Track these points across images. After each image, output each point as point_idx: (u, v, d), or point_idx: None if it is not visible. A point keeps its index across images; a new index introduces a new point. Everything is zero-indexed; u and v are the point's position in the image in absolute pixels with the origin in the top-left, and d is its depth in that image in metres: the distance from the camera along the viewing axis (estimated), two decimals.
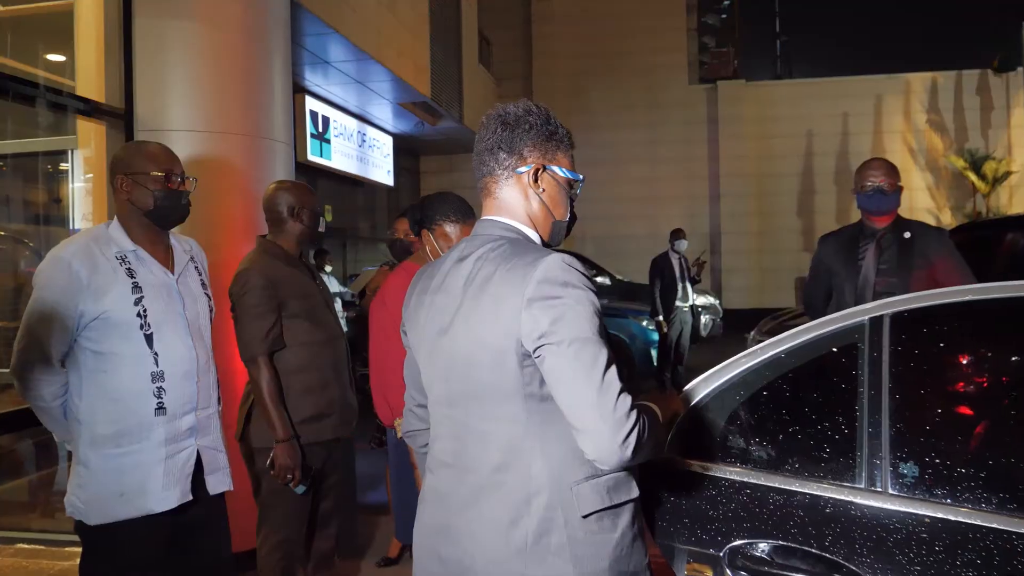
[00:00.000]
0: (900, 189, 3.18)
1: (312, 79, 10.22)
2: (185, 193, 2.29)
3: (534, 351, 1.37)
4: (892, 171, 3.22)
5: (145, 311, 2.15)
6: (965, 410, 1.50)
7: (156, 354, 2.15)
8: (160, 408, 2.15)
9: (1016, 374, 1.50)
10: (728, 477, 1.59)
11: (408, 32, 10.62)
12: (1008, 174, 15.73)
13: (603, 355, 1.34)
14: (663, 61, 17.24)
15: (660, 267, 8.27)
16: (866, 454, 1.47)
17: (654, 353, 8.43)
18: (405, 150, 15.29)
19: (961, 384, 1.52)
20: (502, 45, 17.05)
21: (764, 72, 25.79)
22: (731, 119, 16.96)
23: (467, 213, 2.79)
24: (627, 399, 1.33)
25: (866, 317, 1.60)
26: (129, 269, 2.17)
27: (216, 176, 3.67)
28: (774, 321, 5.71)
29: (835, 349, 1.60)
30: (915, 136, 16.72)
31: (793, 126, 16.77)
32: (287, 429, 2.68)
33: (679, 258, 8.35)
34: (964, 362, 1.54)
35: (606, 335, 1.40)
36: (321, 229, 2.97)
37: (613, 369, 1.35)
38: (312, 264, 3.08)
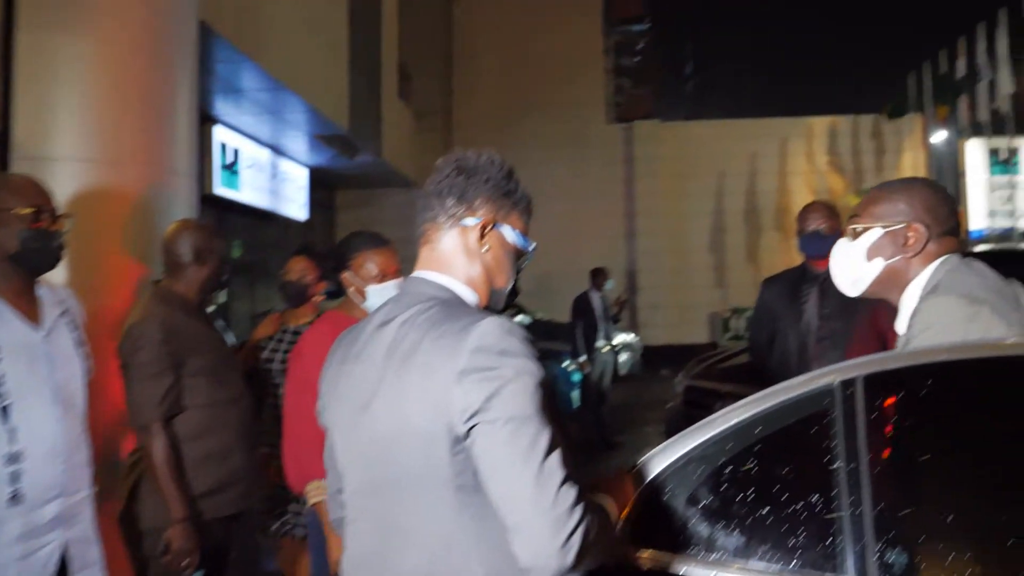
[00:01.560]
0: (840, 232, 3.12)
1: (223, 108, 9.82)
2: (58, 234, 1.99)
3: (465, 433, 1.18)
4: (831, 214, 3.18)
5: (2, 377, 1.82)
6: (959, 484, 1.35)
7: (13, 430, 1.83)
8: (15, 497, 1.82)
9: (1004, 440, 1.36)
10: (689, 572, 1.39)
11: (327, 63, 10.36)
12: None
13: (544, 437, 1.16)
14: (582, 100, 17.43)
15: (582, 307, 8.19)
16: (848, 539, 1.30)
17: (576, 395, 8.29)
18: (320, 183, 14.91)
19: (952, 455, 1.37)
20: (423, 80, 16.91)
21: (677, 113, 26.50)
22: (647, 158, 17.23)
23: (380, 240, 2.67)
24: (571, 491, 1.13)
25: (836, 380, 1.44)
26: None
27: (106, 211, 3.33)
28: (701, 364, 5.63)
29: (804, 417, 1.44)
30: (817, 177, 17.34)
31: (705, 165, 17.15)
32: (185, 507, 2.36)
33: (600, 297, 8.29)
34: (950, 429, 1.39)
35: (553, 412, 1.20)
36: (224, 277, 2.73)
37: (557, 454, 1.15)
38: (210, 314, 2.79)
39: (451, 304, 1.32)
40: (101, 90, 3.42)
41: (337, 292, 3.01)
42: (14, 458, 1.80)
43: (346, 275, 2.70)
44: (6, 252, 1.91)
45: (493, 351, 1.20)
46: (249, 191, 11.27)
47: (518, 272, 1.45)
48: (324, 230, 16.00)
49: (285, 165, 12.70)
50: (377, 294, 2.64)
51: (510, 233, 1.42)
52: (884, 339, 3.00)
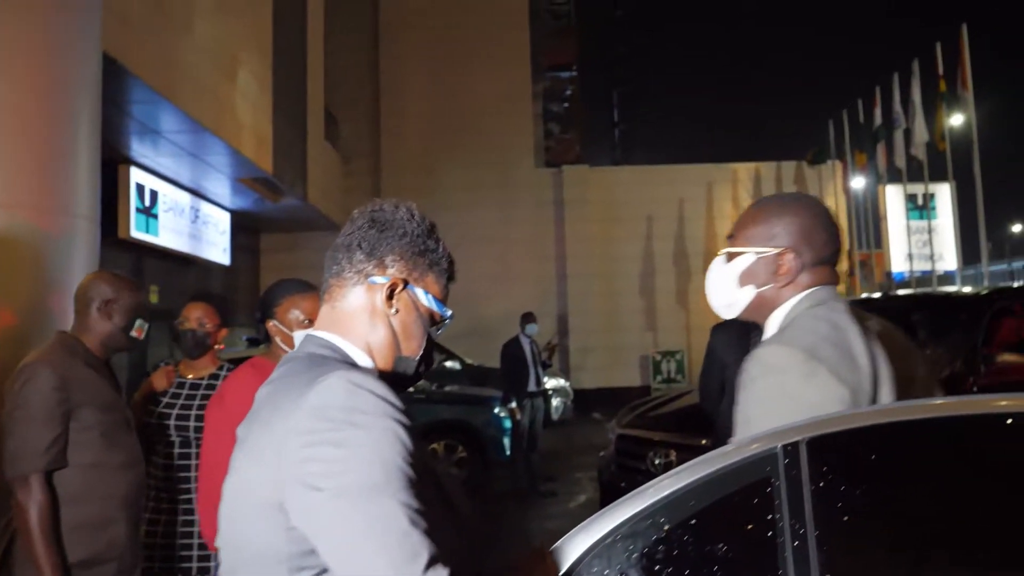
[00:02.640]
0: None
1: (140, 149, 9.52)
2: None
3: (301, 507, 1.04)
4: None
5: None
6: (913, 554, 1.25)
7: None
8: None
9: (959, 506, 1.26)
10: None
11: (249, 104, 10.16)
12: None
13: (399, 511, 1.00)
14: (511, 143, 17.54)
15: (511, 353, 8.08)
16: None
17: (507, 442, 8.14)
18: (244, 227, 14.58)
19: (905, 522, 1.27)
20: (349, 122, 16.81)
21: (605, 158, 26.99)
22: (576, 202, 17.38)
23: (306, 286, 2.61)
24: (441, 574, 0.97)
25: (777, 445, 1.33)
26: None
27: None
28: (632, 412, 5.55)
29: (744, 486, 1.32)
30: None
31: (634, 210, 17.39)
32: (58, 573, 2.17)
33: (530, 342, 8.21)
34: (901, 494, 1.30)
35: (419, 478, 1.05)
36: (135, 334, 2.60)
37: (418, 533, 1.00)
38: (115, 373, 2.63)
39: (318, 359, 1.19)
40: None
41: (257, 340, 2.84)
42: None
43: (271, 324, 2.63)
44: None
45: (337, 408, 1.06)
46: (168, 234, 10.95)
47: (430, 340, 1.31)
48: (248, 275, 15.62)
49: (207, 208, 12.39)
50: None
51: (423, 296, 1.29)
52: None
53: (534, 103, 18.95)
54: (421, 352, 1.29)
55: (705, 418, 3.64)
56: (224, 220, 13.17)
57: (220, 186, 11.68)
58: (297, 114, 12.62)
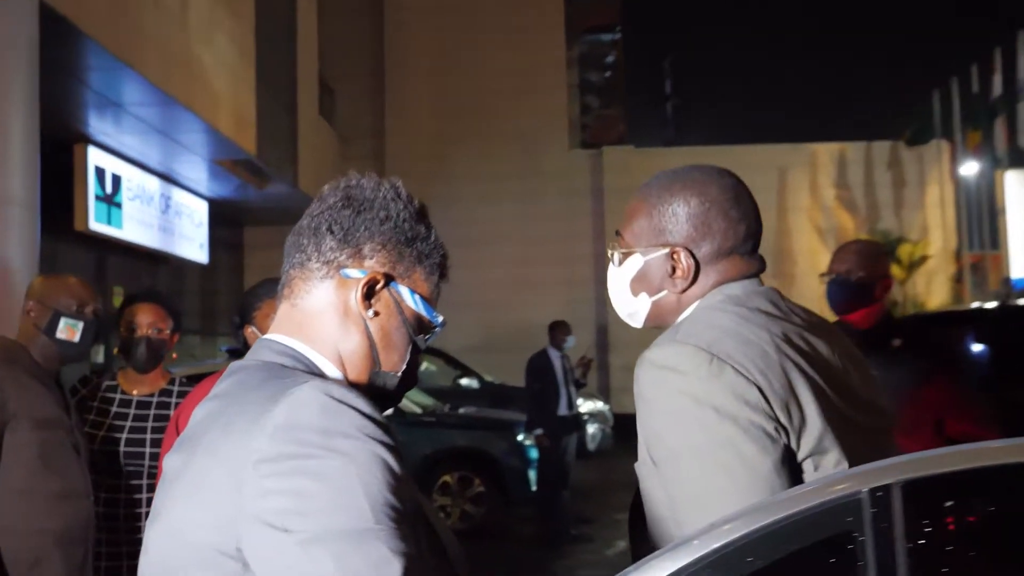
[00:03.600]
0: (879, 280, 2.99)
1: (98, 126, 9.60)
2: None
3: (260, 556, 0.97)
4: (865, 256, 3.07)
5: None
6: None
7: None
8: None
9: None
10: None
11: (228, 73, 10.23)
12: (924, 259, 16.68)
13: (391, 561, 0.94)
14: (540, 123, 17.50)
15: (538, 369, 8.01)
16: None
17: (532, 475, 8.08)
18: (224, 219, 14.68)
19: None
20: (349, 97, 16.89)
21: (654, 138, 26.89)
22: (619, 191, 17.28)
23: None
24: None
25: (862, 489, 1.21)
26: None
27: None
28: None
29: (817, 542, 1.20)
30: (822, 214, 17.57)
31: None
32: None
33: (561, 357, 8.13)
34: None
35: (413, 515, 1.02)
36: (64, 336, 2.62)
37: None
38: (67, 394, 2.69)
39: (277, 369, 1.12)
40: None
41: (239, 350, 2.78)
42: None
43: (250, 330, 2.62)
44: None
45: (309, 430, 0.99)
46: (134, 227, 11.04)
47: (414, 349, 1.23)
48: (229, 274, 15.74)
49: (180, 196, 12.49)
50: None
51: (409, 297, 1.21)
52: (940, 421, 2.84)
53: (568, 72, 18.91)
54: (404, 367, 1.22)
55: None
56: (201, 210, 13.27)
57: (195, 170, 11.75)
58: (286, 85, 12.71)
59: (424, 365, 14.18)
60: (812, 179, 17.65)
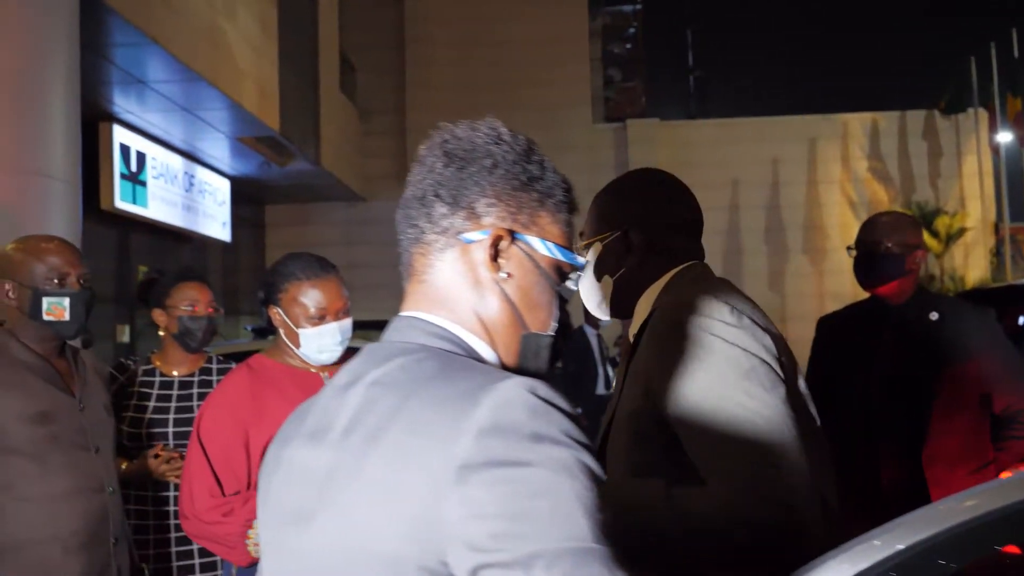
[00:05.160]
0: (909, 251, 2.92)
1: (123, 104, 9.59)
2: None
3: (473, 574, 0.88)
4: (894, 226, 3.00)
5: None
6: None
7: None
8: None
9: None
10: None
11: (251, 49, 10.17)
12: (963, 231, 16.46)
13: None
14: (563, 96, 17.36)
15: (575, 346, 7.96)
16: None
17: None
18: (246, 197, 14.69)
19: None
20: (369, 71, 16.80)
21: (677, 111, 26.64)
22: (644, 164, 17.11)
23: (321, 267, 2.48)
24: None
25: None
26: None
27: None
28: None
29: None
30: (855, 186, 17.35)
31: (715, 174, 17.09)
32: None
33: (597, 335, 8.08)
34: None
35: (621, 524, 0.94)
36: (51, 316, 2.37)
37: None
38: (82, 365, 2.51)
39: (449, 359, 1.04)
40: None
41: (265, 330, 2.77)
42: None
43: (274, 311, 2.50)
44: None
45: (517, 434, 0.90)
46: (158, 205, 11.07)
47: (564, 302, 1.15)
48: (251, 253, 15.75)
49: (203, 174, 12.50)
50: (313, 341, 2.46)
51: (540, 245, 1.12)
52: (986, 395, 2.79)
53: (592, 44, 18.73)
54: (555, 322, 1.13)
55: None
56: (223, 188, 13.28)
57: (218, 147, 11.75)
58: (308, 60, 12.65)
59: None
60: (844, 150, 17.42)
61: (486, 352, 1.10)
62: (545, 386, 0.96)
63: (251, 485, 2.36)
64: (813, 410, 1.66)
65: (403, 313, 1.13)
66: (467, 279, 1.10)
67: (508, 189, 1.11)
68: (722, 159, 17.16)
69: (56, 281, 2.37)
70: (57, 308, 2.35)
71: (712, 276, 1.73)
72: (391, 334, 1.12)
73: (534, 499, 0.88)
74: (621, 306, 1.76)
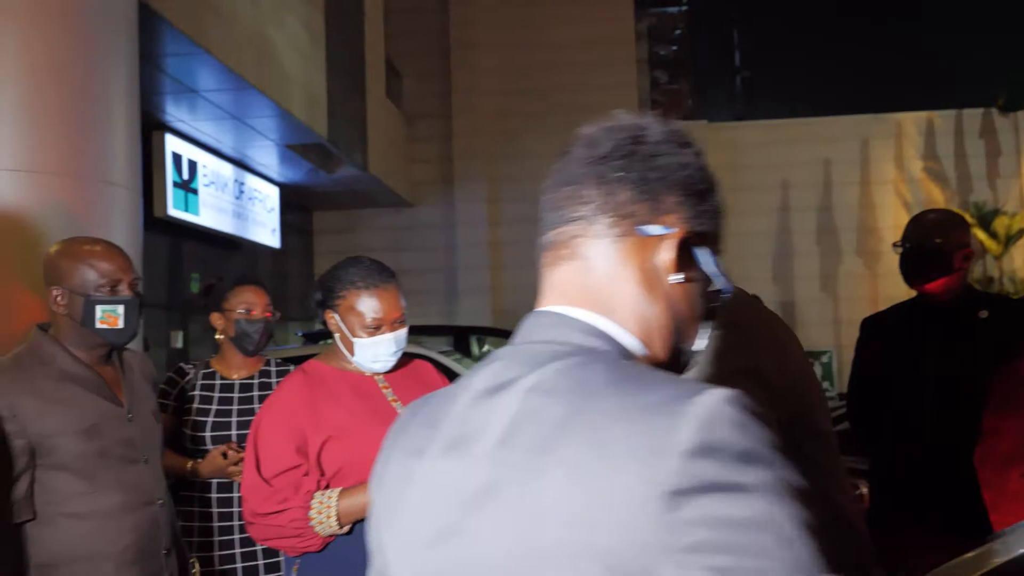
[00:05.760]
0: (957, 249, 2.90)
1: (175, 112, 9.75)
2: None
3: None
4: (940, 224, 2.99)
5: None
6: None
7: None
8: None
9: None
10: None
11: (299, 56, 10.30)
12: (1022, 232, 16.12)
13: None
14: (609, 98, 17.25)
15: None
16: None
17: None
18: (294, 204, 14.84)
19: None
20: (415, 77, 16.90)
21: (724, 112, 26.44)
22: None
23: (380, 275, 2.44)
24: None
25: None
26: None
27: (15, 233, 3.18)
28: None
29: None
30: (910, 187, 17.08)
31: (765, 176, 16.95)
32: None
33: None
34: None
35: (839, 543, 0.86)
36: (104, 324, 2.30)
37: None
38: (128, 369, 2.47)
39: (616, 362, 0.94)
40: (14, 83, 3.29)
41: (315, 335, 2.79)
42: None
43: (331, 315, 2.47)
44: None
45: (730, 454, 0.81)
46: (209, 213, 11.20)
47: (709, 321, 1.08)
48: (299, 260, 15.91)
49: (252, 181, 12.65)
50: (368, 350, 2.44)
51: (707, 260, 1.04)
52: None
53: (637, 46, 18.67)
54: (702, 341, 1.07)
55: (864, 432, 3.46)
56: (272, 196, 13.42)
57: (267, 155, 11.87)
58: (354, 67, 12.72)
59: (498, 347, 14.19)
60: (898, 151, 17.15)
61: (639, 352, 1.01)
62: (745, 395, 0.87)
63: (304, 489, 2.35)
64: None
65: (547, 307, 1.04)
66: (636, 275, 1.01)
67: (693, 193, 1.03)
68: (771, 161, 17.00)
69: (107, 287, 2.30)
70: (111, 316, 2.29)
71: None
72: (534, 332, 1.03)
73: (756, 530, 0.80)
74: None
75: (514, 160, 16.53)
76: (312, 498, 2.29)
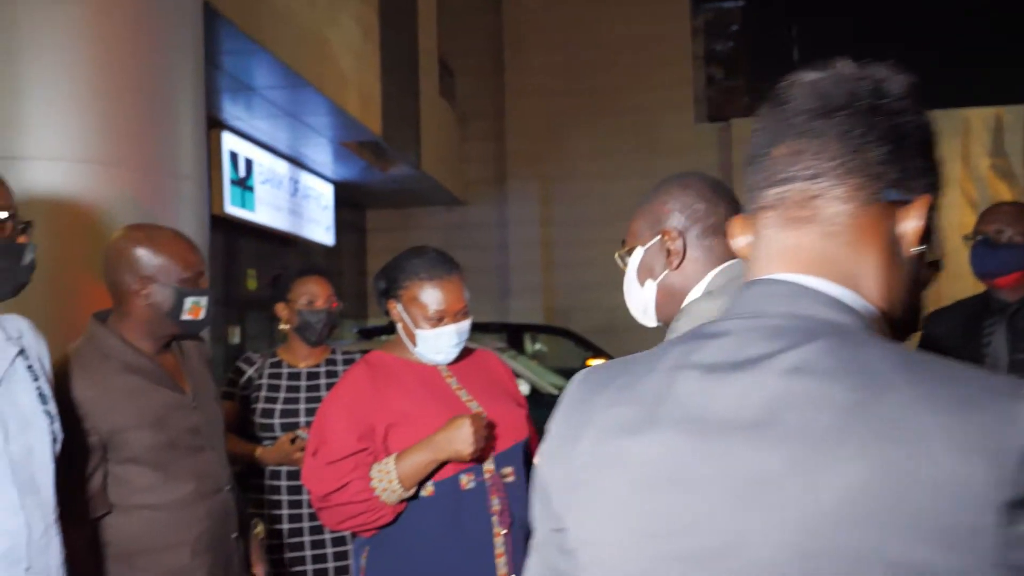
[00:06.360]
0: None
1: (232, 110, 9.88)
2: (26, 248, 1.78)
3: None
4: (1016, 215, 2.91)
5: None
6: None
7: None
8: None
9: None
10: None
11: (353, 54, 10.38)
12: None
13: None
14: (664, 96, 17.20)
15: None
16: None
17: None
18: (348, 202, 14.97)
19: None
20: (467, 76, 16.95)
21: None
22: None
23: (445, 267, 2.46)
24: None
25: None
26: None
27: (87, 223, 3.23)
28: None
29: None
30: (976, 185, 16.74)
31: None
32: None
33: None
34: None
35: None
36: (189, 315, 2.28)
37: None
38: (197, 358, 2.48)
39: (889, 344, 0.86)
40: (83, 77, 3.32)
41: (369, 331, 2.81)
42: None
43: (394, 305, 2.48)
44: None
45: None
46: (265, 210, 11.33)
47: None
48: (353, 257, 16.04)
49: (307, 179, 12.79)
50: (430, 342, 2.45)
51: (936, 231, 0.99)
52: None
53: (695, 42, 18.52)
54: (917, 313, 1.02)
55: None
56: (327, 193, 13.55)
57: (322, 153, 11.98)
58: (408, 65, 12.79)
59: (550, 345, 14.21)
60: (964, 148, 16.81)
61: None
62: None
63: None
64: None
65: (778, 275, 0.94)
66: (882, 244, 0.93)
67: (933, 156, 0.98)
68: None
69: (192, 278, 2.30)
70: (196, 307, 2.28)
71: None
72: (768, 303, 0.92)
73: None
74: (666, 310, 1.74)
75: (566, 159, 16.52)
76: (371, 469, 2.32)
